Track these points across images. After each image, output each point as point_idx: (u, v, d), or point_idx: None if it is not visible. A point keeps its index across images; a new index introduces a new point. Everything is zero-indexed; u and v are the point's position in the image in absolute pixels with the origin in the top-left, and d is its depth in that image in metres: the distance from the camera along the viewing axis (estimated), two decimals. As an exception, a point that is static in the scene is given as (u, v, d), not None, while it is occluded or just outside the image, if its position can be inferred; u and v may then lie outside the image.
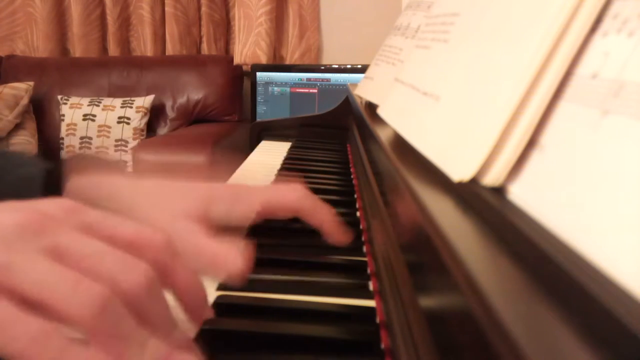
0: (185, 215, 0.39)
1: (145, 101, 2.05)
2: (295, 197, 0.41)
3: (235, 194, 0.41)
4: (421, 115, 0.36)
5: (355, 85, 0.88)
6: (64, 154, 2.04)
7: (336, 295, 0.35)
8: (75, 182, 0.45)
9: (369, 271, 0.39)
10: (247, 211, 0.41)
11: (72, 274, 0.22)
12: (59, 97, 2.10)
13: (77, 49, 2.34)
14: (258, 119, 2.05)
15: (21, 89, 2.04)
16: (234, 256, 0.35)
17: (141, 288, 0.23)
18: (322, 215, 0.42)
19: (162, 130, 2.16)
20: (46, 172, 0.47)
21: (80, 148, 2.02)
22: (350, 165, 0.73)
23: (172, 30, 2.28)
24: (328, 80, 2.09)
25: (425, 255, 0.24)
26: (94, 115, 2.02)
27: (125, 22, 2.37)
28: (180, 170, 0.44)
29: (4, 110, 1.97)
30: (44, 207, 0.25)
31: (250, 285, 0.36)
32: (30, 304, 0.21)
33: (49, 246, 0.23)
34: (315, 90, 2.09)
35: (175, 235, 0.35)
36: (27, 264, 0.22)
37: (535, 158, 0.22)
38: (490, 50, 0.29)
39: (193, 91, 2.18)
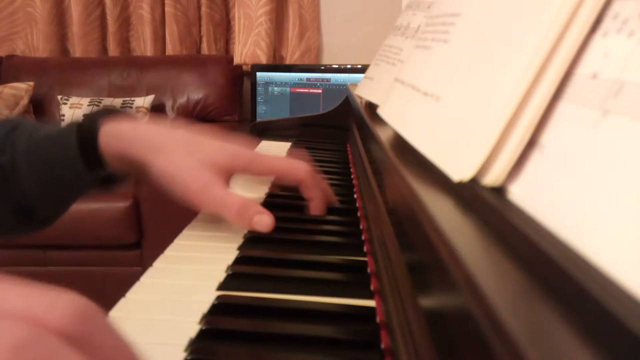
0: (211, 163, 0.45)
1: (145, 101, 2.05)
2: (304, 171, 0.49)
3: (253, 156, 0.48)
4: (421, 115, 0.36)
5: (355, 85, 0.88)
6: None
7: (336, 295, 0.35)
8: (111, 127, 0.49)
9: (369, 271, 0.39)
10: (261, 172, 0.49)
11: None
12: (59, 97, 2.10)
13: (77, 49, 2.33)
14: (258, 119, 2.05)
15: (21, 89, 2.04)
16: (259, 208, 0.43)
17: None
18: (320, 192, 0.49)
19: (162, 130, 2.15)
20: (78, 124, 0.50)
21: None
22: (350, 165, 0.73)
23: (172, 30, 2.28)
24: (328, 80, 2.09)
25: (425, 255, 0.24)
26: (94, 115, 2.02)
27: (125, 22, 2.36)
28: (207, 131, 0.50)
29: (4, 110, 1.97)
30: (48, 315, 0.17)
31: (250, 285, 0.36)
32: None
33: None
34: (320, 91, 2.09)
35: (208, 185, 0.44)
36: None
37: (535, 158, 0.22)
38: (490, 50, 0.29)
39: (193, 91, 2.17)
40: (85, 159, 0.49)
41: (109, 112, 0.51)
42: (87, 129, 0.49)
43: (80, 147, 0.49)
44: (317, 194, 0.49)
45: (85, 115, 0.51)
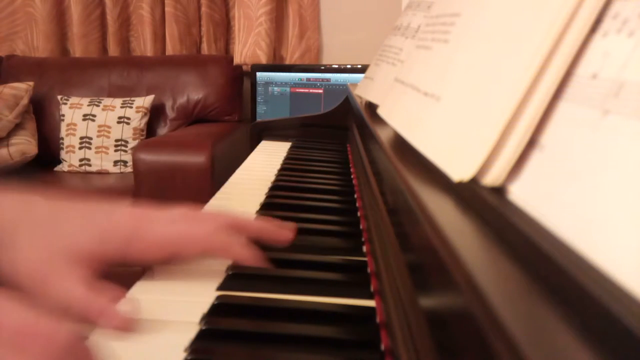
0: (69, 251, 0.34)
1: (145, 101, 2.05)
2: (203, 236, 0.37)
3: (131, 235, 0.36)
4: (421, 115, 0.36)
5: (355, 85, 0.88)
6: (63, 154, 2.04)
7: (336, 295, 0.35)
8: None
9: (369, 271, 0.39)
10: (142, 253, 0.36)
11: None
12: (59, 97, 2.10)
13: (77, 49, 2.33)
14: (258, 119, 2.05)
15: (21, 89, 2.04)
16: (109, 310, 0.31)
17: None
18: (235, 254, 0.38)
19: (162, 130, 2.15)
20: None
21: (80, 148, 2.01)
22: (350, 165, 0.73)
23: (172, 30, 2.28)
24: (328, 80, 2.09)
25: (425, 255, 0.24)
26: (94, 115, 2.02)
27: (125, 22, 2.36)
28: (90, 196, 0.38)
29: (4, 110, 1.97)
30: None
31: (250, 285, 0.36)
32: None
33: None
34: (321, 91, 2.09)
35: (48, 279, 0.32)
36: None
37: (535, 158, 0.22)
38: (490, 50, 0.29)
39: (193, 91, 2.17)
40: None
41: None
42: None
43: None
44: (237, 257, 0.38)
45: None
